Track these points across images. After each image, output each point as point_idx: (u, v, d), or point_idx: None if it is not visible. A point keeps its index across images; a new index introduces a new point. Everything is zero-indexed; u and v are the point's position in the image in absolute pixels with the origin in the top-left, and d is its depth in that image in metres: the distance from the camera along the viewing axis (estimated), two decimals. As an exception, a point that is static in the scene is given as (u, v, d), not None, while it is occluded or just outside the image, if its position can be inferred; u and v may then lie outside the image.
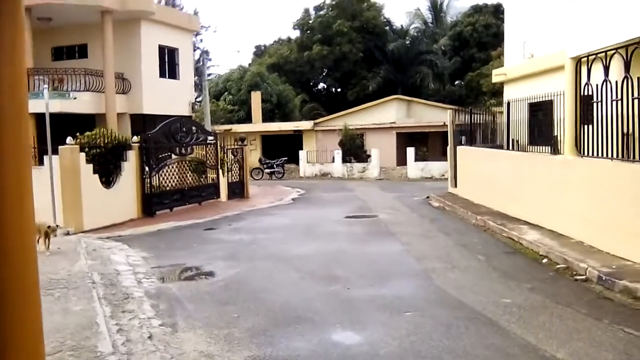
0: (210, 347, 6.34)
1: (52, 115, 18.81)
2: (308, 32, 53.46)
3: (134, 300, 8.36)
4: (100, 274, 9.93)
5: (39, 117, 15.04)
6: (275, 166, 34.73)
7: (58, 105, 19.95)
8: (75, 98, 21.85)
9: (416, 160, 32.07)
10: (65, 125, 18.22)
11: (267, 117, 43.21)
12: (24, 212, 1.91)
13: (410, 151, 32.10)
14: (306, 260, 10.90)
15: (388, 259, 10.84)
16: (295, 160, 35.84)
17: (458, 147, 20.00)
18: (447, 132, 21.49)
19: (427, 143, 36.27)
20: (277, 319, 7.33)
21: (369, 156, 33.51)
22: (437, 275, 9.39)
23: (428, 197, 20.27)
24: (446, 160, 28.61)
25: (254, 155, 35.14)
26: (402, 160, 33.52)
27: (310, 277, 9.63)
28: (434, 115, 35.09)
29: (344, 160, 33.69)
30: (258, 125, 40.29)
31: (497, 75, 21.77)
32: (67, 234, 14.36)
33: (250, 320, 7.30)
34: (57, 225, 13.86)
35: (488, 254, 10.95)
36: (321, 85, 59.75)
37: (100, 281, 9.38)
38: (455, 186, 20.05)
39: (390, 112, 37.17)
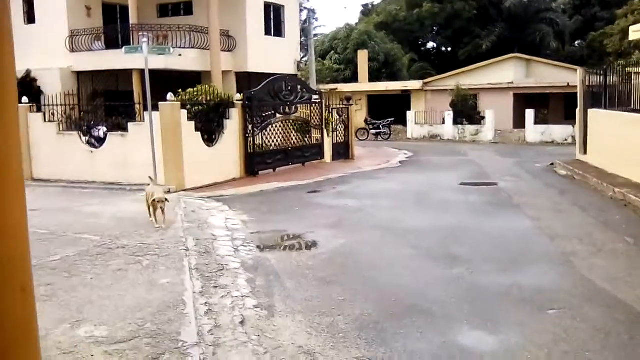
0: (311, 341, 5.28)
1: (157, 72, 18.52)
2: (418, -11, 51.01)
3: (229, 272, 7.47)
4: (196, 239, 9.16)
5: (144, 73, 14.56)
6: (381, 127, 33.38)
7: (163, 62, 19.55)
8: (180, 55, 21.35)
9: (535, 123, 29.66)
10: (171, 83, 17.77)
11: (374, 77, 41.70)
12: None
13: (530, 113, 29.69)
14: (420, 235, 9.64)
15: (516, 237, 9.37)
16: (403, 121, 34.29)
17: (590, 110, 17.81)
18: (569, 93, 19.31)
19: (547, 105, 33.51)
20: (389, 308, 6.16)
21: (483, 118, 31.39)
22: (579, 260, 7.85)
23: (552, 164, 18.30)
24: (569, 123, 26.11)
25: (359, 116, 33.86)
26: (519, 123, 31.15)
27: (425, 255, 8.37)
28: (556, 76, 32.22)
29: (455, 122, 31.78)
30: (364, 84, 38.88)
31: (636, 32, 19.12)
32: (169, 191, 13.83)
33: (358, 307, 6.18)
34: (168, 189, 13.42)
35: (637, 236, 9.22)
36: (431, 44, 57.27)
37: (195, 248, 8.60)
38: (585, 153, 17.93)
39: (508, 72, 34.54)
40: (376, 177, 17.38)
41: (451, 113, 31.88)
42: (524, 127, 30.24)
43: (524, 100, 32.98)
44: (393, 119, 33.86)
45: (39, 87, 22.07)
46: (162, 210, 9.75)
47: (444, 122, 32.36)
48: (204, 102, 16.23)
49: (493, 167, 18.92)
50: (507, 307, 6.13)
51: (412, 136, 33.30)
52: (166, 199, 9.86)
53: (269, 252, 8.71)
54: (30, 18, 23.60)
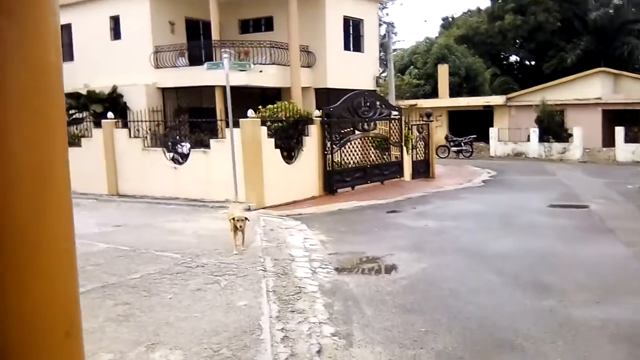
0: (392, 376, 5.01)
1: (239, 88, 18.76)
2: (500, 1, 49.96)
3: (306, 296, 7.30)
4: (274, 259, 9.06)
5: (226, 90, 14.78)
6: (462, 144, 32.61)
7: (244, 78, 19.79)
8: (261, 71, 21.54)
9: (626, 141, 28.18)
10: (252, 99, 17.95)
11: (455, 92, 40.90)
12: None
13: (619, 131, 28.25)
14: (506, 260, 9.17)
15: (611, 265, 8.76)
16: (485, 138, 33.39)
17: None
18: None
19: (638, 122, 31.88)
20: (476, 342, 5.80)
21: (570, 135, 30.10)
22: (686, 294, 7.22)
23: (647, 186, 17.27)
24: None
25: (439, 132, 33.21)
26: (607, 141, 29.69)
27: (513, 283, 7.92)
28: (647, 91, 30.58)
29: (541, 139, 30.63)
30: (445, 100, 38.17)
31: None
32: (248, 209, 13.88)
33: (441, 340, 5.86)
34: (248, 207, 13.48)
35: None
36: (513, 57, 55.82)
37: (272, 269, 8.49)
38: (684, 174, 16.81)
39: (594, 87, 33.06)
40: (458, 196, 16.87)
41: (537, 130, 30.77)
42: (613, 145, 28.79)
43: (613, 116, 31.41)
44: (475, 136, 33.02)
45: (125, 102, 22.82)
46: (242, 230, 9.50)
47: (528, 140, 31.28)
48: (284, 118, 16.27)
49: (582, 188, 18.01)
50: (605, 346, 5.65)
51: (495, 154, 32.36)
52: (246, 218, 9.61)
53: (347, 275, 8.49)
54: (116, 34, 24.51)
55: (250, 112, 14.86)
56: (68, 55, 26.53)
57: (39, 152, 1.51)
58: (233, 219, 9.41)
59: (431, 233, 11.46)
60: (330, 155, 16.92)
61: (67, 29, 26.25)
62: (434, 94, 40.50)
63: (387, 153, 19.83)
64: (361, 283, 8.00)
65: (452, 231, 11.60)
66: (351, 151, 18.22)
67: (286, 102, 17.24)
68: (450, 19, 59.81)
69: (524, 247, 10.07)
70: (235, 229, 9.42)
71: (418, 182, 20.01)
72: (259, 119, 15.01)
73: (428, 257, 9.47)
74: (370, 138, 19.23)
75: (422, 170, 21.34)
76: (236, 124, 14.63)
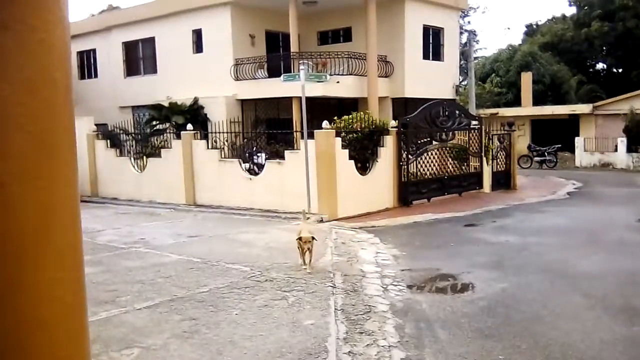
0: (466, 410, 4.65)
1: (316, 99, 18.71)
2: (586, 7, 48.09)
3: (376, 315, 7.00)
4: (344, 275, 8.81)
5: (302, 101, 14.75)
6: (546, 154, 31.37)
7: (321, 89, 19.71)
8: (338, 82, 21.44)
9: None
10: (329, 109, 17.82)
11: (538, 100, 39.49)
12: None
13: None
14: (593, 281, 8.54)
15: None
16: (569, 148, 32.01)
17: None
18: None
19: None
20: (560, 374, 5.34)
21: (661, 145, 28.42)
22: None
23: None
24: None
25: (521, 142, 32.04)
26: None
27: (600, 306, 7.34)
28: None
29: (630, 150, 29.05)
30: (527, 108, 36.89)
31: None
32: (321, 221, 13.76)
33: (521, 369, 5.42)
34: (320, 219, 13.36)
35: None
36: (600, 65, 53.52)
37: (342, 285, 8.24)
38: None
39: (687, 95, 31.14)
40: (541, 210, 16.10)
41: (624, 139, 29.22)
42: None
43: None
44: (559, 146, 31.68)
45: (206, 114, 23.25)
46: (310, 251, 8.93)
47: (616, 150, 29.76)
48: (359, 129, 16.03)
49: (678, 202, 16.82)
50: None
51: (581, 164, 30.96)
52: (313, 238, 8.99)
53: (420, 294, 8.12)
54: (198, 47, 25.06)
55: (325, 124, 14.71)
56: (151, 67, 27.41)
57: (41, 186, 1.34)
58: (300, 239, 8.92)
59: (512, 249, 10.89)
60: (405, 166, 16.54)
61: (150, 42, 27.12)
62: (516, 102, 39.28)
63: (465, 164, 19.22)
64: (435, 303, 7.63)
65: (534, 248, 11.00)
66: (428, 162, 17.76)
67: (362, 113, 17.00)
68: (534, 26, 58.04)
69: (612, 266, 9.38)
70: (302, 250, 8.96)
71: (498, 194, 19.27)
72: (334, 130, 14.84)
73: (508, 275, 8.96)
74: (448, 148, 18.70)
75: (503, 181, 20.55)
76: (311, 135, 14.54)
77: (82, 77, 31.41)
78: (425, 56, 24.57)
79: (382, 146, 16.27)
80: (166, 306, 7.16)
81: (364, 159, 15.96)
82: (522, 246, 11.12)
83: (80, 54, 31.30)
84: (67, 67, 1.41)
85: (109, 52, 29.10)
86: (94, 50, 30.51)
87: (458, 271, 9.29)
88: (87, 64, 31.29)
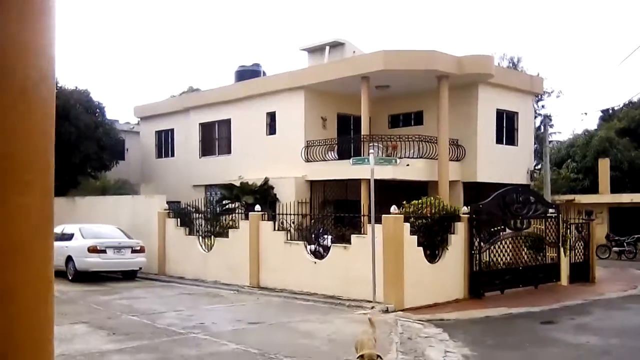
0: None
1: (385, 181, 18.50)
2: (666, 91, 46.50)
3: None
4: (410, 377, 8.25)
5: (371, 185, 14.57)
6: (625, 244, 29.72)
7: (390, 172, 19.59)
8: (408, 165, 21.25)
9: None
10: (399, 192, 17.54)
11: (616, 187, 37.82)
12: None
13: None
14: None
15: None
16: (653, 239, 30.21)
17: None
18: None
19: None
20: None
21: None
22: None
23: None
24: None
25: (599, 230, 30.58)
26: None
27: None
28: None
29: None
30: (605, 196, 35.35)
31: None
32: (386, 310, 13.21)
33: None
34: (386, 308, 12.81)
35: None
36: (686, 150, 51.06)
37: (407, 389, 7.68)
38: None
39: None
40: (623, 307, 15.00)
41: None
42: None
43: None
44: (639, 236, 30.01)
45: (275, 194, 23.42)
46: None
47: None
48: (428, 215, 15.60)
49: None
50: None
51: (664, 256, 29.09)
52: (379, 357, 7.45)
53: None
54: (271, 130, 25.59)
55: (393, 208, 14.35)
56: (226, 148, 28.13)
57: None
58: (362, 356, 7.37)
59: (593, 353, 10.02)
60: (477, 255, 15.86)
61: (226, 123, 27.95)
62: (593, 189, 37.81)
63: (541, 253, 18.30)
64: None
65: (618, 351, 10.10)
66: (501, 251, 16.99)
67: (432, 198, 16.60)
68: (610, 111, 56.60)
69: None
70: None
71: (576, 287, 18.15)
72: (402, 215, 14.44)
73: (590, 384, 8.17)
74: (523, 237, 17.91)
75: (581, 273, 19.39)
76: (379, 219, 14.20)
77: (159, 155, 32.54)
78: (499, 140, 24.18)
79: (453, 233, 15.73)
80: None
81: (433, 245, 15.43)
82: (605, 349, 10.23)
83: (158, 133, 32.56)
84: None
85: (187, 133, 30.12)
86: (171, 130, 31.68)
87: (534, 377, 8.55)
88: (165, 143, 32.43)
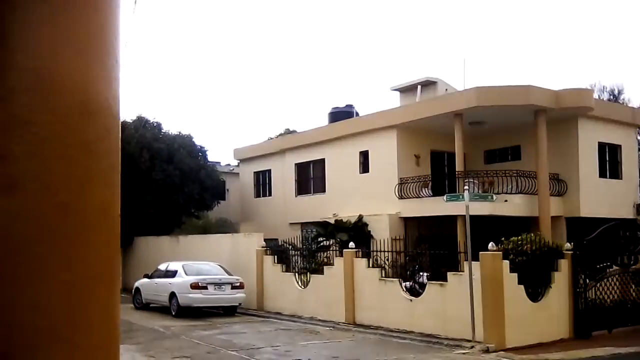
0: None
1: (482, 217, 18.15)
2: None
3: None
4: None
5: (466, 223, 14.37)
6: None
7: (488, 208, 19.17)
8: (506, 200, 20.79)
9: None
10: (497, 228, 17.17)
11: None
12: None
13: None
14: None
15: None
16: None
17: None
18: None
19: None
20: None
21: None
22: None
23: None
24: None
25: None
26: None
27: None
28: None
29: None
30: None
31: None
32: (487, 350, 12.85)
33: None
34: (487, 348, 12.59)
35: None
36: None
37: None
38: None
39: None
40: None
41: None
42: None
43: None
44: None
45: (370, 231, 23.44)
46: None
47: None
48: (529, 252, 15.12)
49: None
50: None
51: None
52: None
53: None
54: (364, 168, 25.81)
55: (491, 245, 14.04)
56: (320, 186, 28.58)
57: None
58: None
59: None
60: (583, 293, 15.18)
61: (320, 163, 28.48)
62: None
63: (651, 290, 17.26)
64: None
65: None
66: (608, 288, 16.18)
67: (532, 234, 16.08)
68: None
69: None
70: None
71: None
72: (500, 252, 14.10)
73: None
74: (630, 274, 16.98)
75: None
76: (476, 256, 13.94)
77: (257, 195, 33.48)
78: (602, 174, 23.22)
79: (556, 270, 15.17)
80: None
81: (534, 283, 14.91)
82: None
83: (257, 174, 33.58)
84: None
85: (283, 172, 30.89)
86: (269, 171, 32.59)
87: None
88: (263, 183, 33.38)
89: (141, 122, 31.35)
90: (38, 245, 1.24)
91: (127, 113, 31.11)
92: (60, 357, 1.26)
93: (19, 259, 1.23)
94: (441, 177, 24.05)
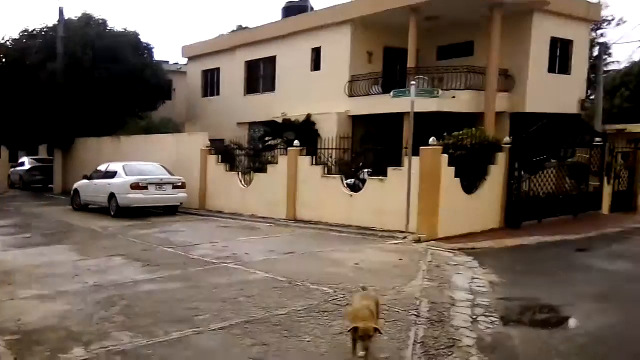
0: None
1: (429, 114, 18.10)
2: None
3: (459, 351, 6.32)
4: (431, 303, 8.21)
5: (415, 117, 14.34)
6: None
7: (434, 105, 19.09)
8: (454, 97, 20.73)
9: None
10: (443, 125, 17.23)
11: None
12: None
13: None
14: None
15: None
16: None
17: None
18: None
19: None
20: None
21: None
22: None
23: None
24: None
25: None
26: None
27: None
28: None
29: None
30: (658, 124, 33.82)
31: None
32: (418, 240, 13.17)
33: None
34: (419, 238, 12.93)
35: None
36: None
37: (427, 314, 7.66)
38: None
39: None
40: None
41: None
42: None
43: None
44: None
45: (317, 130, 23.33)
46: (367, 350, 5.68)
47: None
48: (468, 146, 15.24)
49: None
50: None
51: None
52: (377, 330, 5.70)
53: (514, 327, 7.37)
54: (316, 66, 25.35)
55: (432, 140, 13.98)
56: (270, 85, 28.10)
57: None
58: (355, 330, 5.59)
59: (626, 279, 9.82)
60: (516, 185, 15.53)
61: (271, 61, 27.80)
62: (645, 118, 36.22)
63: (584, 183, 17.82)
64: (528, 338, 6.88)
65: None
66: (542, 181, 16.62)
67: (473, 129, 16.14)
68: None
69: None
70: (354, 341, 5.73)
71: (618, 215, 17.83)
72: (440, 147, 14.11)
73: (618, 310, 8.03)
74: (566, 167, 17.41)
75: (624, 202, 18.99)
76: (418, 152, 13.97)
77: (205, 95, 32.79)
78: (551, 69, 23.27)
79: (493, 164, 15.40)
80: (241, 328, 6.95)
81: (471, 176, 15.13)
82: (637, 276, 9.97)
83: (205, 72, 32.73)
84: None
85: (232, 71, 30.17)
86: (218, 69, 31.79)
87: (560, 303, 8.44)
88: (211, 83, 32.62)
89: (87, 20, 29.92)
90: None
91: (73, 11, 29.61)
92: None
93: None
94: (393, 75, 23.78)
